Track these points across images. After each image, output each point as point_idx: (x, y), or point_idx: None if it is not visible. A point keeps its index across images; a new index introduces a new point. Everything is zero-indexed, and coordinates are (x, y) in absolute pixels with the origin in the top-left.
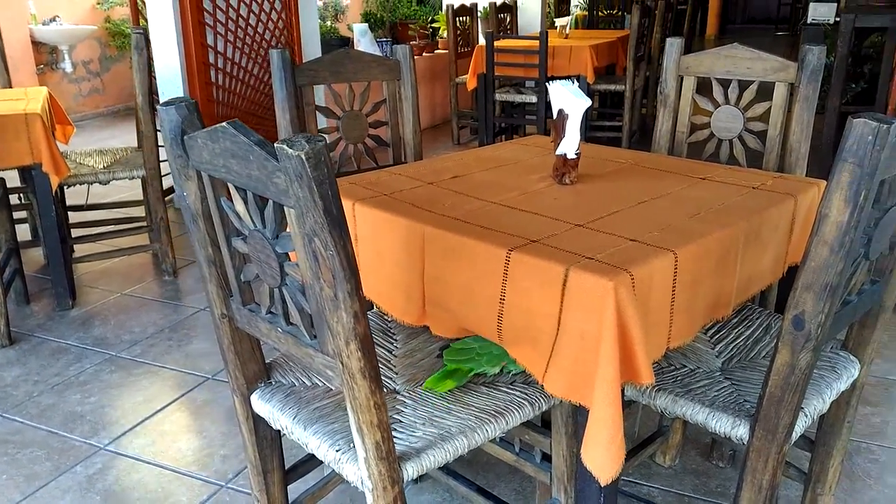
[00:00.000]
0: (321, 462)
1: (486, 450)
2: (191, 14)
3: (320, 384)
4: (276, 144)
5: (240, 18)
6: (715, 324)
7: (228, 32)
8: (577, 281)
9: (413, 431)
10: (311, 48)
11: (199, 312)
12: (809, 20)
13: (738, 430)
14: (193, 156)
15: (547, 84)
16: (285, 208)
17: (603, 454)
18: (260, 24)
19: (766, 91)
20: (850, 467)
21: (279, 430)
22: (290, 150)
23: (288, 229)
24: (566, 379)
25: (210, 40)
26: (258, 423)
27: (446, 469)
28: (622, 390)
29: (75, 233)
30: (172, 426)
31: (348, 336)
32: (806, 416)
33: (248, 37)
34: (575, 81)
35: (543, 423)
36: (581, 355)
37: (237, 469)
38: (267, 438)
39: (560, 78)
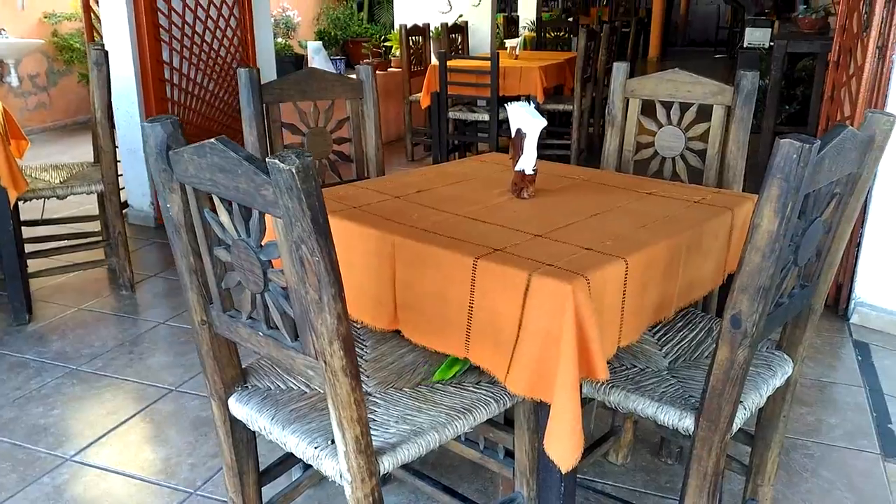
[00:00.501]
0: (293, 465)
1: (453, 449)
2: (147, 30)
3: (295, 388)
4: (268, 159)
5: (195, 35)
6: (662, 327)
7: (184, 49)
8: (538, 286)
9: (387, 429)
10: (267, 65)
11: (158, 326)
12: (746, 44)
13: (685, 422)
14: (178, 170)
15: (506, 105)
16: (273, 218)
17: (564, 445)
18: (215, 40)
19: (705, 112)
20: (788, 462)
21: (255, 433)
22: (282, 165)
23: (268, 238)
24: (528, 378)
25: (166, 56)
26: (235, 425)
27: (412, 470)
28: (580, 387)
29: (29, 248)
30: (138, 437)
31: (332, 336)
32: (745, 409)
33: (203, 53)
34: (531, 103)
35: (506, 422)
36: (542, 355)
37: (206, 476)
38: (243, 441)
39: (512, 98)
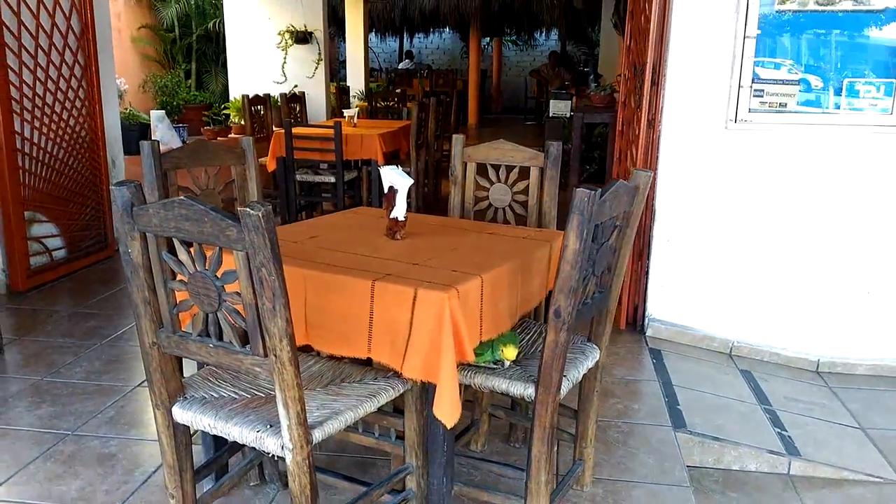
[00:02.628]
0: (222, 465)
1: (353, 440)
2: (0, 102)
3: (227, 395)
4: (240, 209)
5: (45, 106)
6: None
7: (35, 119)
8: (423, 296)
9: (312, 413)
10: (113, 132)
11: (39, 381)
12: (551, 114)
13: (528, 391)
14: (141, 222)
15: (379, 168)
16: (233, 252)
17: (448, 408)
18: (65, 111)
19: (525, 172)
20: (605, 437)
21: (191, 439)
22: (252, 211)
23: (222, 269)
24: (420, 365)
25: (18, 127)
26: (176, 430)
27: (316, 468)
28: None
29: None
30: (47, 474)
31: (282, 335)
32: (568, 380)
33: (53, 123)
34: (399, 167)
35: (395, 410)
36: (428, 347)
37: (122, 498)
38: (183, 443)
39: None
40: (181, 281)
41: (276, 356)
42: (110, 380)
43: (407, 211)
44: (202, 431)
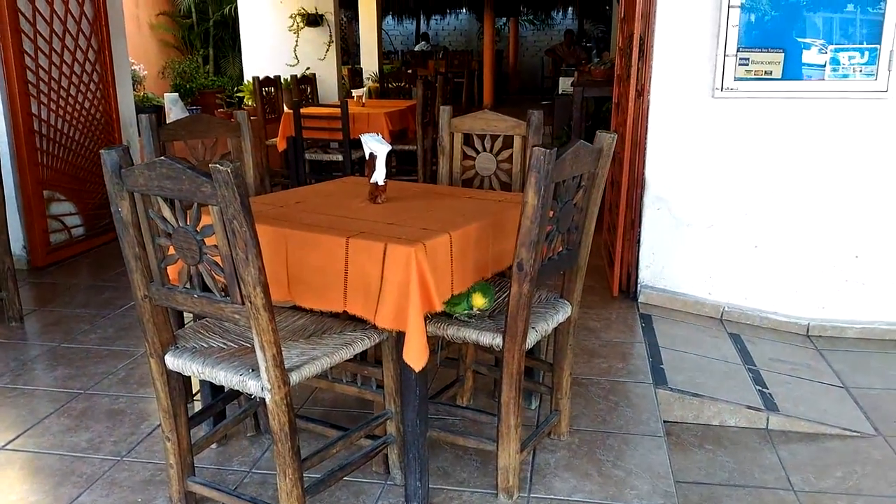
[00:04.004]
0: (219, 413)
1: (338, 390)
2: (17, 86)
3: (215, 345)
4: (210, 165)
5: (61, 89)
6: None
7: (51, 102)
8: (392, 251)
9: (292, 359)
10: (128, 115)
11: (56, 347)
12: (560, 91)
13: (496, 340)
14: (129, 182)
15: (360, 136)
16: (210, 207)
17: (416, 353)
18: (80, 94)
19: (510, 141)
20: (587, 393)
21: (184, 385)
22: (221, 167)
23: (201, 225)
24: (391, 315)
25: (35, 109)
26: (170, 377)
27: (306, 417)
28: (425, 319)
29: None
30: (60, 427)
31: (255, 282)
32: (536, 331)
33: (69, 106)
34: (379, 134)
35: (376, 361)
36: (398, 298)
37: (129, 448)
38: (176, 389)
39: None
40: (167, 236)
41: (251, 302)
42: (122, 345)
43: (388, 178)
44: (204, 384)
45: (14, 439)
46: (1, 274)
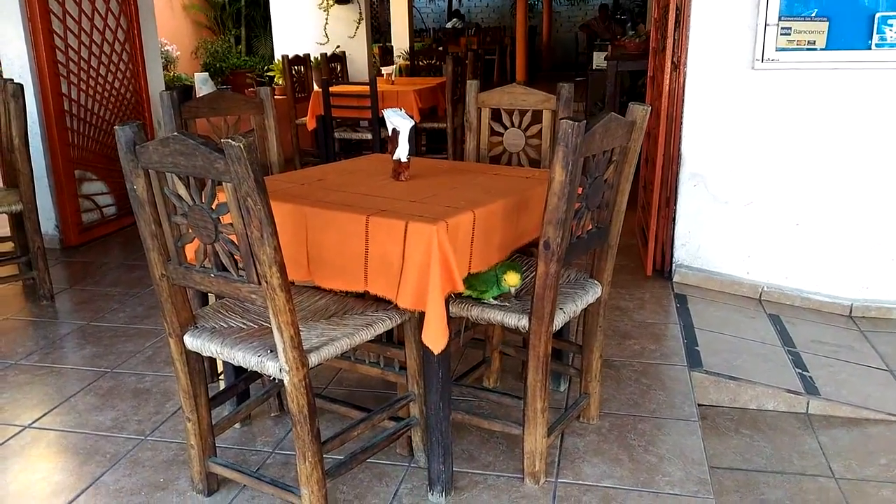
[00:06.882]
0: (241, 393)
1: (361, 371)
2: (47, 66)
3: (234, 325)
4: (222, 140)
5: (91, 69)
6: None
7: (81, 82)
8: (413, 229)
9: (311, 340)
10: (158, 95)
11: (85, 325)
12: (594, 66)
13: (522, 322)
14: (143, 159)
15: (382, 112)
16: (224, 184)
17: (435, 335)
18: (109, 73)
19: (538, 116)
20: (618, 375)
21: (205, 365)
22: (233, 143)
23: (216, 203)
24: (411, 294)
25: (65, 89)
26: (189, 357)
27: (328, 398)
28: (448, 300)
29: None
30: (86, 406)
31: (271, 262)
32: (564, 312)
33: (98, 86)
34: (402, 109)
35: (398, 342)
36: (419, 277)
37: (153, 428)
38: (196, 370)
39: None
40: (182, 214)
41: (267, 282)
42: (151, 324)
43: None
44: (227, 363)
45: (41, 417)
46: (31, 253)
